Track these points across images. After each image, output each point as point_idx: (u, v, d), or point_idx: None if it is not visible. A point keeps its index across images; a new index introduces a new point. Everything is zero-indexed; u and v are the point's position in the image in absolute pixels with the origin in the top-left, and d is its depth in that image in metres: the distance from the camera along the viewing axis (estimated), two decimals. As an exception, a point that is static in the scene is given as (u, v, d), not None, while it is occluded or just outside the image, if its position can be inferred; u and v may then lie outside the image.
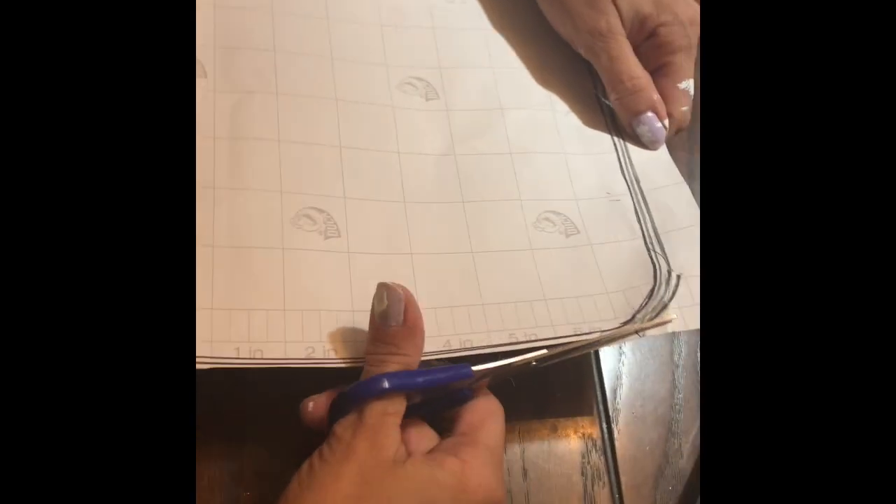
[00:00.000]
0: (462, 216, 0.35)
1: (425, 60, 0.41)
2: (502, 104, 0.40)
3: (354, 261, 0.33)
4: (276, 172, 0.34)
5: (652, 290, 0.33)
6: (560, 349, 0.30)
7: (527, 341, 0.31)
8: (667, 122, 0.39)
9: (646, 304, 0.33)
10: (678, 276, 0.34)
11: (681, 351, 0.37)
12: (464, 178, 0.36)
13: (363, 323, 0.31)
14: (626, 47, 0.40)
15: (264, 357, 0.29)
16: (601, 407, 0.36)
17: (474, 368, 0.29)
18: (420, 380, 0.28)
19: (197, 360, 0.28)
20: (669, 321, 0.32)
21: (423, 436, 0.28)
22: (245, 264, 0.31)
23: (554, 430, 0.35)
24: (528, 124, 0.39)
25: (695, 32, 0.41)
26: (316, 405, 0.28)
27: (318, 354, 0.29)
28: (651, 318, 0.32)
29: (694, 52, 0.41)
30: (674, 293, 0.33)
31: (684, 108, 0.40)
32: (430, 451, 0.28)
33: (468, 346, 0.31)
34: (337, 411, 0.28)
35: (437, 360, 0.30)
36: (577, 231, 0.36)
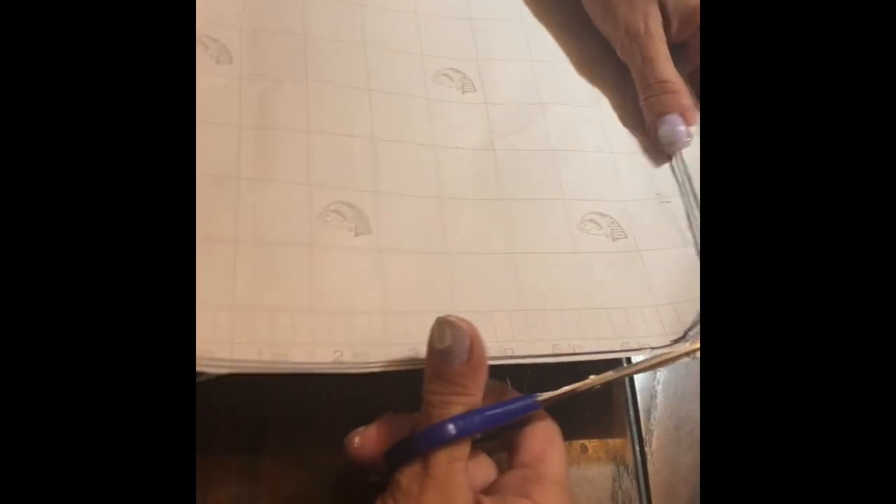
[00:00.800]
0: (502, 214, 0.33)
1: (462, 51, 0.39)
2: (543, 99, 0.38)
3: (386, 259, 0.31)
4: (304, 164, 0.32)
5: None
6: (625, 371, 0.28)
7: (571, 353, 0.29)
8: (693, 128, 0.37)
9: (698, 322, 0.31)
10: None
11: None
12: (503, 175, 0.35)
13: (395, 325, 0.29)
14: (662, 50, 0.38)
15: (289, 360, 0.27)
16: (634, 428, 0.34)
17: (539, 399, 0.27)
18: (487, 419, 0.26)
19: (216, 362, 0.26)
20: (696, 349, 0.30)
21: (481, 466, 0.27)
22: (270, 261, 0.29)
23: (584, 451, 0.33)
24: (571, 121, 0.37)
25: None
26: (363, 440, 0.26)
27: (348, 358, 0.27)
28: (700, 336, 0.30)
29: None
30: None
31: None
32: (498, 494, 0.26)
33: (509, 353, 0.29)
34: (397, 456, 0.26)
35: None
36: (625, 235, 0.34)
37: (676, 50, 0.39)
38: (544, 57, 0.40)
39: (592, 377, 0.28)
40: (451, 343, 0.25)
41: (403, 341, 0.28)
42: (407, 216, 0.32)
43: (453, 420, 0.25)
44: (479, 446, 0.27)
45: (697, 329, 0.31)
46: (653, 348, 0.30)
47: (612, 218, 0.34)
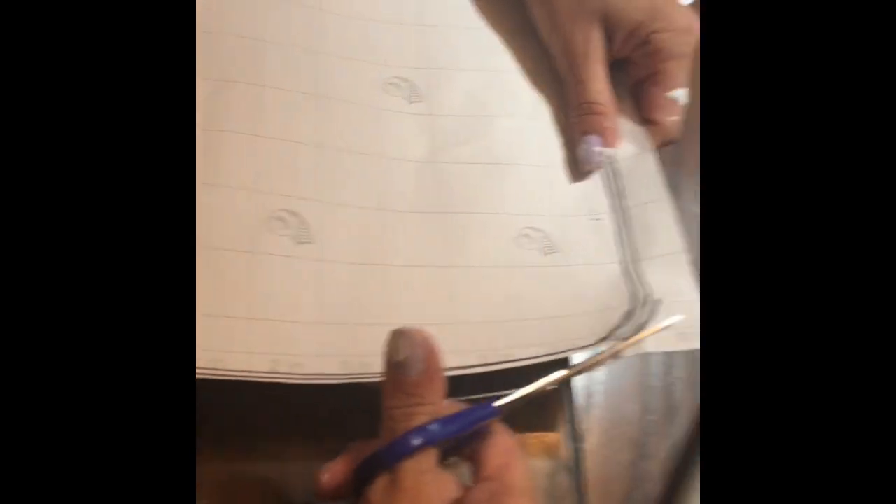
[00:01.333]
0: (441, 228, 0.34)
1: (411, 59, 0.40)
2: (488, 111, 0.39)
3: (326, 270, 0.32)
4: (250, 169, 0.33)
5: (629, 312, 0.33)
6: (577, 368, 0.30)
7: (498, 362, 0.30)
8: (609, 151, 0.38)
9: (623, 324, 0.32)
10: (657, 300, 0.33)
11: (654, 372, 0.37)
12: (445, 188, 0.35)
13: (333, 336, 0.30)
14: (597, 72, 0.39)
15: (225, 368, 0.28)
16: (571, 426, 0.35)
17: (497, 405, 0.27)
18: (449, 427, 0.26)
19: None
20: (672, 323, 0.31)
21: (445, 484, 0.26)
22: (213, 267, 0.30)
23: (521, 448, 0.34)
24: (515, 134, 0.38)
25: (690, 41, 0.40)
26: (332, 475, 0.26)
27: (283, 368, 0.28)
28: (627, 337, 0.32)
29: (688, 62, 0.40)
30: (650, 316, 0.33)
31: (673, 119, 0.39)
32: None
33: None
34: (364, 476, 0.25)
35: None
36: (556, 250, 0.35)
37: (619, 64, 0.40)
38: (493, 66, 0.40)
39: (544, 379, 0.29)
40: (407, 354, 0.25)
41: (337, 353, 0.30)
42: (349, 227, 0.33)
43: (416, 431, 0.25)
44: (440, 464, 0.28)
45: (623, 329, 0.32)
46: (580, 348, 0.31)
47: (545, 233, 0.35)
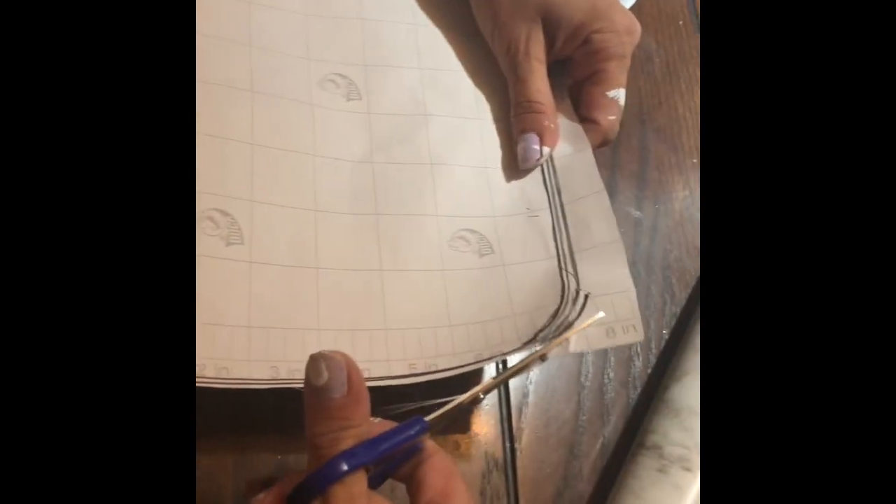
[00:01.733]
0: (374, 231, 0.34)
1: (351, 55, 0.39)
2: (427, 110, 0.38)
3: (255, 272, 0.31)
4: None
5: (557, 310, 0.33)
6: (504, 376, 0.29)
7: (426, 372, 0.30)
8: (547, 149, 0.38)
9: (549, 323, 0.32)
10: (586, 295, 0.33)
11: (588, 372, 0.37)
12: (380, 190, 0.35)
13: (262, 341, 0.29)
14: (537, 70, 0.39)
15: None
16: (505, 426, 0.36)
17: (428, 419, 0.27)
18: (379, 450, 0.25)
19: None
20: (595, 320, 0.31)
21: None
22: None
23: (456, 447, 0.34)
24: (453, 133, 0.38)
25: (629, 42, 0.40)
26: None
27: (210, 373, 0.28)
28: (554, 338, 0.32)
29: (627, 63, 0.40)
30: (580, 312, 0.33)
31: (612, 118, 0.39)
32: None
33: (366, 375, 0.30)
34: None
35: None
36: (492, 251, 0.35)
37: (560, 64, 0.40)
38: (433, 63, 0.40)
39: (474, 390, 0.29)
40: (328, 377, 0.25)
41: (266, 358, 0.29)
42: (281, 228, 0.33)
43: (344, 455, 0.24)
44: (378, 491, 0.27)
45: (548, 329, 0.32)
46: (506, 353, 0.31)
47: (481, 234, 0.35)
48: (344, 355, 0.25)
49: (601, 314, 0.32)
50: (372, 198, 0.35)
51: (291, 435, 0.32)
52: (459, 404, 0.28)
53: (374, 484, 0.26)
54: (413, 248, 0.34)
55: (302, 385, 0.29)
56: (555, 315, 0.33)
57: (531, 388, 0.36)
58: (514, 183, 0.37)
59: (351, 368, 0.25)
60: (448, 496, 0.26)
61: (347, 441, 0.25)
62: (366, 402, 0.26)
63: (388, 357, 0.31)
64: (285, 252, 0.32)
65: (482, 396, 0.29)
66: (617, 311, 0.32)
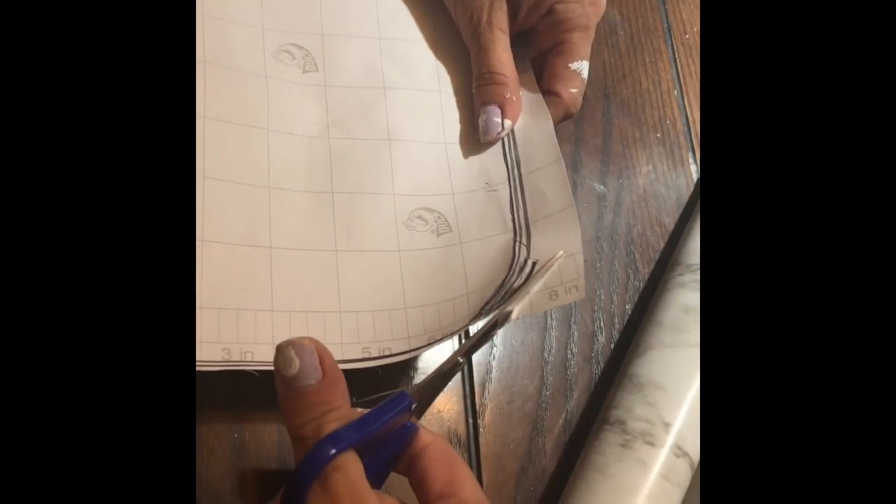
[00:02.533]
0: (330, 209, 0.33)
1: (307, 24, 0.38)
2: (386, 82, 0.37)
3: (207, 250, 0.30)
4: None
5: (503, 281, 0.33)
6: (474, 337, 0.30)
7: (380, 356, 0.30)
8: (509, 122, 0.37)
9: (495, 294, 0.32)
10: (533, 263, 0.33)
11: (551, 347, 0.37)
12: (336, 167, 0.34)
13: (213, 322, 0.28)
14: (500, 41, 0.38)
15: None
16: (468, 402, 0.35)
17: (409, 391, 0.26)
18: (366, 430, 0.24)
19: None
20: (559, 257, 0.31)
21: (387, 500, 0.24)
22: None
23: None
24: (412, 107, 0.37)
25: (594, 13, 0.40)
26: None
27: None
28: (499, 306, 0.31)
29: (591, 34, 0.40)
30: (527, 278, 0.32)
31: (574, 90, 0.39)
32: None
33: None
34: (292, 498, 0.23)
35: None
36: (450, 229, 0.34)
37: (523, 36, 0.39)
38: (392, 33, 0.39)
39: (453, 356, 0.29)
40: (299, 364, 0.24)
41: (216, 339, 0.28)
42: (232, 205, 0.32)
43: (330, 438, 0.23)
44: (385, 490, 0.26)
45: (493, 302, 0.32)
46: (453, 332, 0.31)
47: (439, 213, 0.35)
48: (312, 339, 0.24)
49: (561, 252, 0.31)
50: (328, 175, 0.34)
51: (247, 417, 0.31)
52: (438, 372, 0.28)
53: (374, 484, 0.25)
54: (369, 229, 0.33)
55: (255, 367, 0.28)
56: (500, 286, 0.32)
57: (494, 363, 0.36)
58: (474, 158, 0.37)
59: (321, 352, 0.24)
60: (456, 484, 0.25)
61: (331, 425, 0.24)
62: (343, 384, 0.25)
63: (341, 340, 0.30)
64: (237, 230, 0.31)
65: (461, 360, 0.29)
66: (563, 274, 0.32)
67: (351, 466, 0.23)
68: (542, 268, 0.32)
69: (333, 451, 0.22)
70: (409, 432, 0.26)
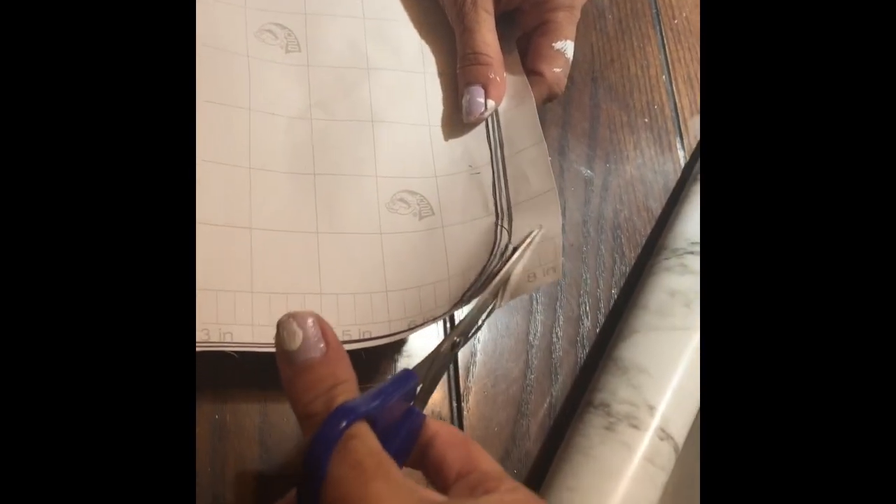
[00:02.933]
0: (312, 191, 0.33)
1: (289, 4, 0.37)
2: (370, 63, 0.37)
3: None
4: None
5: (484, 267, 0.32)
6: (475, 317, 0.30)
7: (360, 339, 0.29)
8: (492, 102, 0.37)
9: (476, 280, 0.31)
10: (514, 248, 0.32)
11: (536, 331, 0.37)
12: (318, 148, 0.34)
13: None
14: (485, 22, 0.38)
15: None
16: (453, 384, 0.35)
17: (414, 369, 0.25)
18: (378, 401, 0.23)
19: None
20: (535, 234, 0.31)
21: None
22: None
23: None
24: (396, 88, 0.37)
25: None
26: None
27: None
28: (480, 292, 0.31)
29: (576, 14, 0.39)
30: (506, 262, 0.32)
31: (557, 70, 0.38)
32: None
33: None
34: (308, 488, 0.21)
35: (264, 352, 0.28)
36: (432, 213, 0.34)
37: (509, 17, 0.39)
38: (377, 13, 0.39)
39: (451, 335, 0.29)
40: (302, 336, 0.23)
41: (196, 320, 0.28)
42: (212, 185, 0.31)
43: (343, 408, 0.22)
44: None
45: (473, 289, 0.31)
46: (435, 318, 0.30)
47: (421, 196, 0.34)
48: (312, 312, 0.23)
49: (536, 231, 0.31)
50: (310, 156, 0.33)
51: (227, 397, 0.31)
52: (437, 352, 0.27)
53: None
54: (351, 211, 0.33)
55: (234, 348, 0.28)
56: (481, 272, 0.32)
57: (479, 346, 0.36)
58: (458, 140, 0.36)
59: (322, 323, 0.23)
60: (474, 461, 0.25)
61: (342, 397, 0.22)
62: (347, 358, 0.24)
63: None
64: (217, 210, 0.31)
65: (458, 340, 0.29)
66: (541, 256, 0.32)
67: (368, 435, 0.22)
68: (520, 247, 0.32)
69: (346, 422, 0.21)
70: (417, 420, 0.25)
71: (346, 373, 0.23)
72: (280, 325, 0.23)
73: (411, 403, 0.26)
